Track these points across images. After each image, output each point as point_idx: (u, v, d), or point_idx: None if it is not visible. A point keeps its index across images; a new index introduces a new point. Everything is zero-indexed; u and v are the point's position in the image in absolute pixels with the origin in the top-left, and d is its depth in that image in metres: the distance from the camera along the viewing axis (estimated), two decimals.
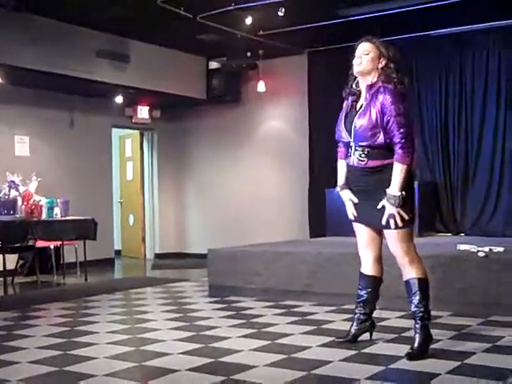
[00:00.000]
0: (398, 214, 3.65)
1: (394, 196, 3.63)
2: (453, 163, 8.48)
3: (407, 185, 3.68)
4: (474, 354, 3.74)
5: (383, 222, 3.70)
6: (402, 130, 3.61)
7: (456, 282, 5.07)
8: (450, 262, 5.14)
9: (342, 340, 4.07)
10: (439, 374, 3.34)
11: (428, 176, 8.58)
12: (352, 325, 4.08)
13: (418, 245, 3.89)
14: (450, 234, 8.37)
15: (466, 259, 5.19)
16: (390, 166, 3.67)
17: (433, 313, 3.84)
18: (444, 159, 8.49)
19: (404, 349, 3.73)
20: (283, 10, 7.38)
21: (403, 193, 3.63)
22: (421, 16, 7.66)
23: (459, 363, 3.54)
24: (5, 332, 4.78)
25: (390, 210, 3.66)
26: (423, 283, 3.74)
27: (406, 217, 3.67)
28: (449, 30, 8.34)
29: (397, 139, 3.62)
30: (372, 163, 3.73)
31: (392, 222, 3.67)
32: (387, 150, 3.69)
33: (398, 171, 3.63)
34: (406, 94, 3.83)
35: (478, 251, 5.22)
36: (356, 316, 4.05)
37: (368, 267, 3.98)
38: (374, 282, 3.99)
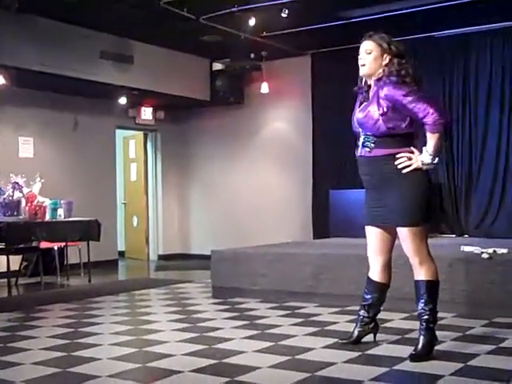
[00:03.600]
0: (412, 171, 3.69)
1: (427, 152, 3.67)
2: (457, 165, 8.47)
3: (425, 185, 3.77)
4: (477, 355, 3.73)
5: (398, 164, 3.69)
6: (418, 106, 3.60)
7: (460, 283, 5.07)
8: (454, 263, 5.13)
9: (345, 341, 4.06)
10: (443, 376, 3.33)
11: (432, 177, 8.55)
12: (355, 326, 4.07)
13: None
14: (453, 235, 8.36)
15: (470, 261, 5.19)
16: (395, 157, 3.70)
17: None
18: (448, 160, 8.47)
19: (408, 350, 3.73)
20: (286, 11, 7.39)
21: (435, 160, 3.72)
22: (424, 17, 7.67)
23: (462, 365, 3.53)
24: (8, 333, 4.78)
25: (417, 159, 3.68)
26: (432, 286, 3.72)
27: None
28: (452, 31, 8.35)
29: (420, 115, 3.61)
30: (378, 151, 3.73)
31: (401, 163, 3.68)
32: (392, 138, 3.71)
33: (430, 137, 3.65)
34: (420, 81, 3.81)
35: (482, 253, 5.21)
36: (359, 318, 4.04)
37: (376, 273, 3.96)
38: (381, 289, 3.98)
